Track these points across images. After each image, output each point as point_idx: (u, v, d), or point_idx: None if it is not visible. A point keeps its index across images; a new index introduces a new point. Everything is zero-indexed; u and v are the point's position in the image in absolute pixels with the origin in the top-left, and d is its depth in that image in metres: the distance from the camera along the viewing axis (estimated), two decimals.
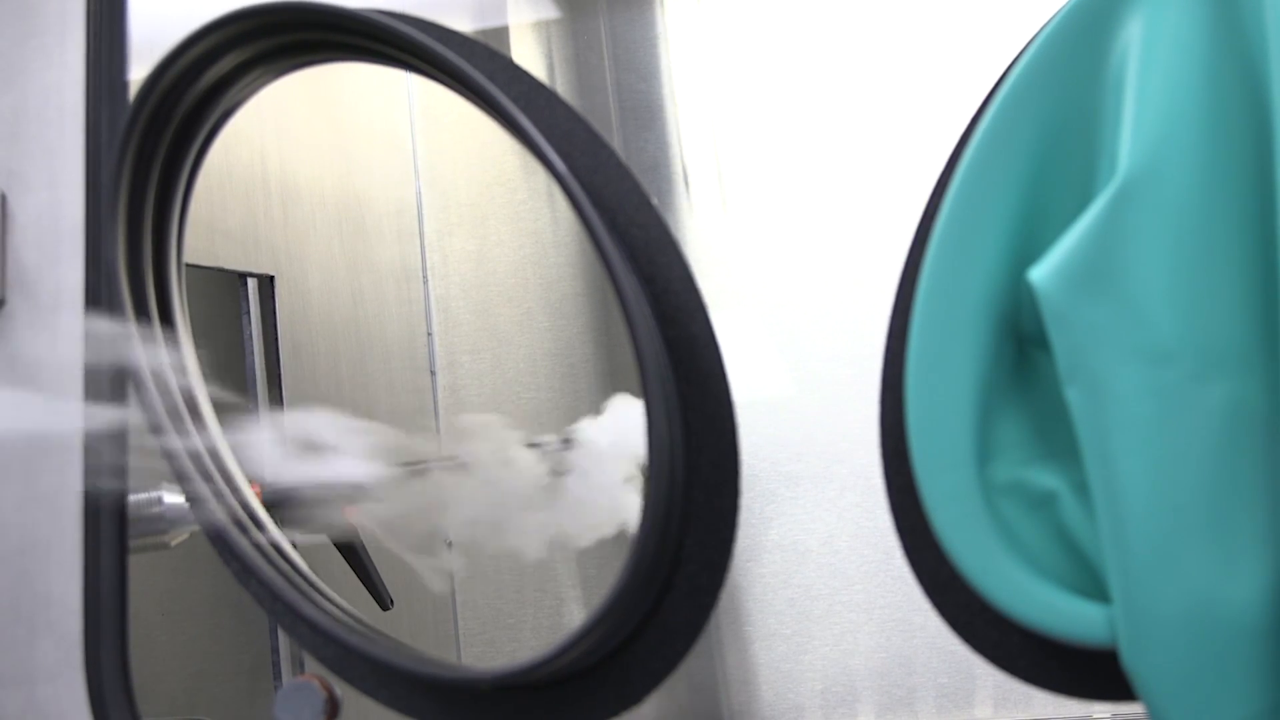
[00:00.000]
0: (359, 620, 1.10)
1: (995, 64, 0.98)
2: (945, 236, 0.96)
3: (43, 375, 1.21)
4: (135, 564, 1.21)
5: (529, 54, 1.99)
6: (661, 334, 1.01)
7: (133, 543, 1.22)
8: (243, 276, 1.74)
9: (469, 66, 0.99)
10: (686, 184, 1.93)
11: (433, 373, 2.00)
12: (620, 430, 1.20)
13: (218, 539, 1.12)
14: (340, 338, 1.89)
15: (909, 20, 1.84)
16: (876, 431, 1.00)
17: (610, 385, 1.97)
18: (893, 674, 1.80)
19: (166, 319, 1.14)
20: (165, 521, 1.27)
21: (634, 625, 1.02)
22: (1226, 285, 0.89)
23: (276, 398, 1.74)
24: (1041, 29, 0.95)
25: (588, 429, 1.23)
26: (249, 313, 1.74)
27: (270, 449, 1.19)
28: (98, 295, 1.21)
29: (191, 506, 1.14)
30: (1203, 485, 0.88)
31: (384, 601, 1.56)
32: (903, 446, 0.97)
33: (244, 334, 1.73)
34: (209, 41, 1.06)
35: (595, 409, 1.26)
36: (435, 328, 2.01)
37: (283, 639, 1.70)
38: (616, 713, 1.05)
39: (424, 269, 2.02)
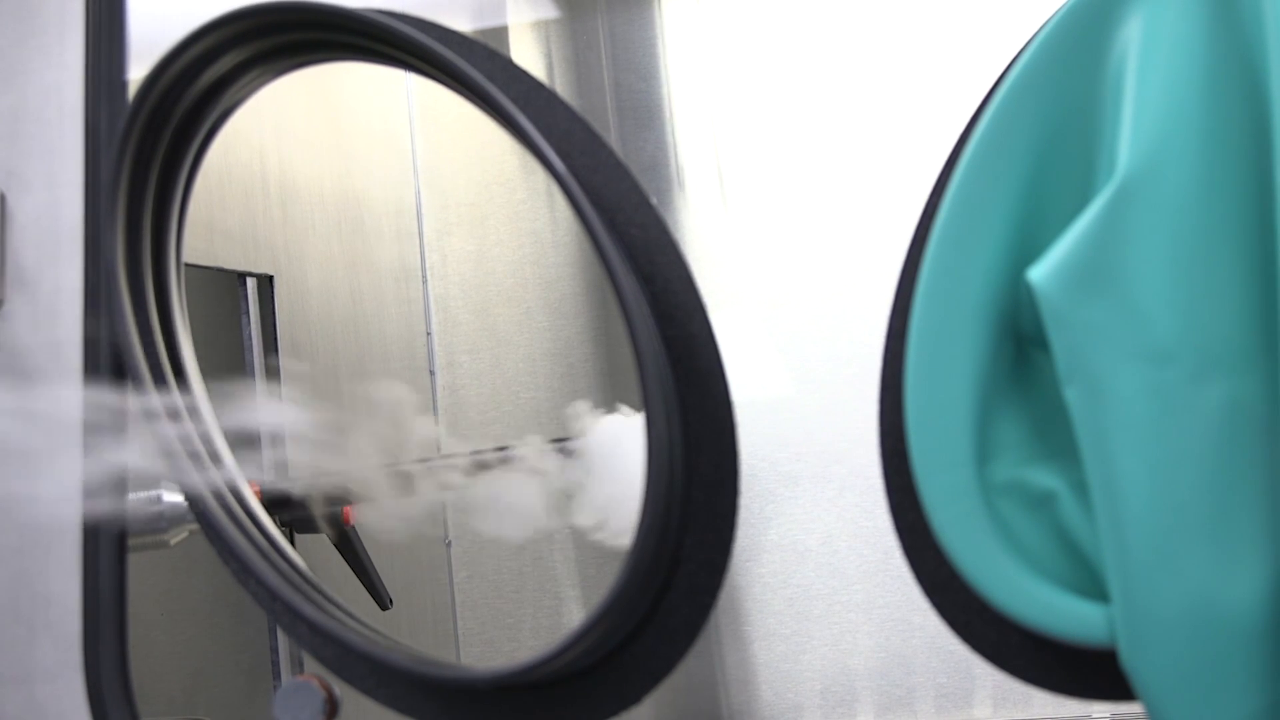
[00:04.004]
0: (358, 620, 1.10)
1: (995, 64, 0.98)
2: (944, 236, 0.96)
3: (42, 375, 1.21)
4: (135, 564, 1.21)
5: (528, 54, 1.99)
6: (660, 333, 1.01)
7: (132, 542, 1.22)
8: (242, 276, 1.74)
9: (469, 66, 0.99)
10: (684, 183, 1.93)
11: (432, 372, 2.00)
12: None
13: (216, 537, 1.12)
14: (340, 337, 1.89)
15: (909, 20, 1.84)
16: (876, 431, 1.00)
17: (609, 385, 1.97)
18: (892, 674, 1.80)
19: (166, 319, 1.14)
20: (165, 520, 1.27)
21: (633, 625, 1.02)
22: (1226, 285, 0.89)
23: (276, 397, 1.74)
24: (1041, 29, 0.96)
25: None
26: (249, 313, 1.74)
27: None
28: (97, 295, 1.21)
29: (190, 505, 1.14)
30: (1202, 485, 0.88)
31: (384, 601, 1.56)
32: (902, 446, 0.97)
33: (244, 334, 1.74)
34: (208, 41, 1.06)
35: (594, 409, 1.25)
36: (434, 327, 2.01)
37: (282, 639, 1.70)
38: (616, 712, 1.05)
39: (423, 269, 2.02)
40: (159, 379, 1.12)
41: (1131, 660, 0.89)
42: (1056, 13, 0.95)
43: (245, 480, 1.16)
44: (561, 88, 1.97)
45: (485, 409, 1.99)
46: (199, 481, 1.11)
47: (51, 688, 1.18)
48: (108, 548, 1.20)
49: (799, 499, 1.84)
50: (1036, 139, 0.95)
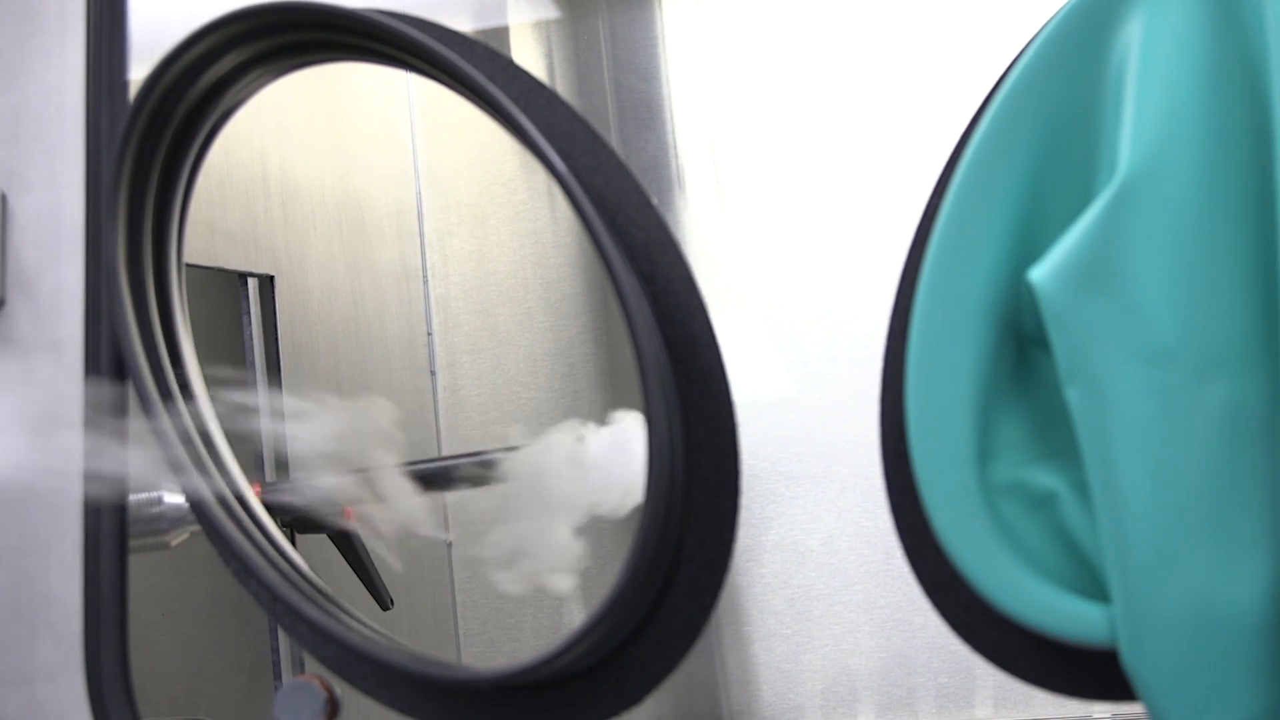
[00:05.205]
0: (359, 620, 1.10)
1: (995, 64, 0.98)
2: (945, 236, 0.96)
3: (42, 375, 1.21)
4: (135, 564, 1.21)
5: (529, 54, 1.99)
6: (661, 334, 1.01)
7: (133, 543, 1.22)
8: (243, 276, 1.74)
9: (469, 66, 0.99)
10: (685, 184, 1.93)
11: (433, 373, 2.00)
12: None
13: (218, 538, 1.12)
14: (340, 338, 1.89)
15: (909, 20, 1.84)
16: (876, 431, 1.00)
17: (610, 385, 1.97)
18: (893, 674, 1.80)
19: (166, 319, 1.14)
20: (165, 521, 1.27)
21: (634, 625, 1.02)
22: (1226, 285, 0.89)
23: (277, 397, 1.74)
24: (1041, 29, 0.96)
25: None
26: (249, 313, 1.74)
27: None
28: (98, 295, 1.21)
29: (191, 507, 1.14)
30: (1203, 485, 0.88)
31: (384, 601, 1.56)
32: (903, 446, 0.97)
33: (244, 334, 1.73)
34: (209, 41, 1.06)
35: (595, 409, 1.25)
36: (435, 328, 2.01)
37: (283, 639, 1.70)
38: (616, 713, 1.05)
39: (424, 269, 2.02)
40: (160, 379, 1.12)
41: (1132, 660, 0.89)
42: (1057, 13, 0.95)
43: (246, 480, 1.16)
44: (562, 88, 1.97)
45: (486, 409, 1.99)
46: (200, 482, 1.11)
47: (52, 688, 1.18)
48: (108, 548, 1.20)
49: (800, 499, 1.84)
50: (1037, 139, 0.95)
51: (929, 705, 1.78)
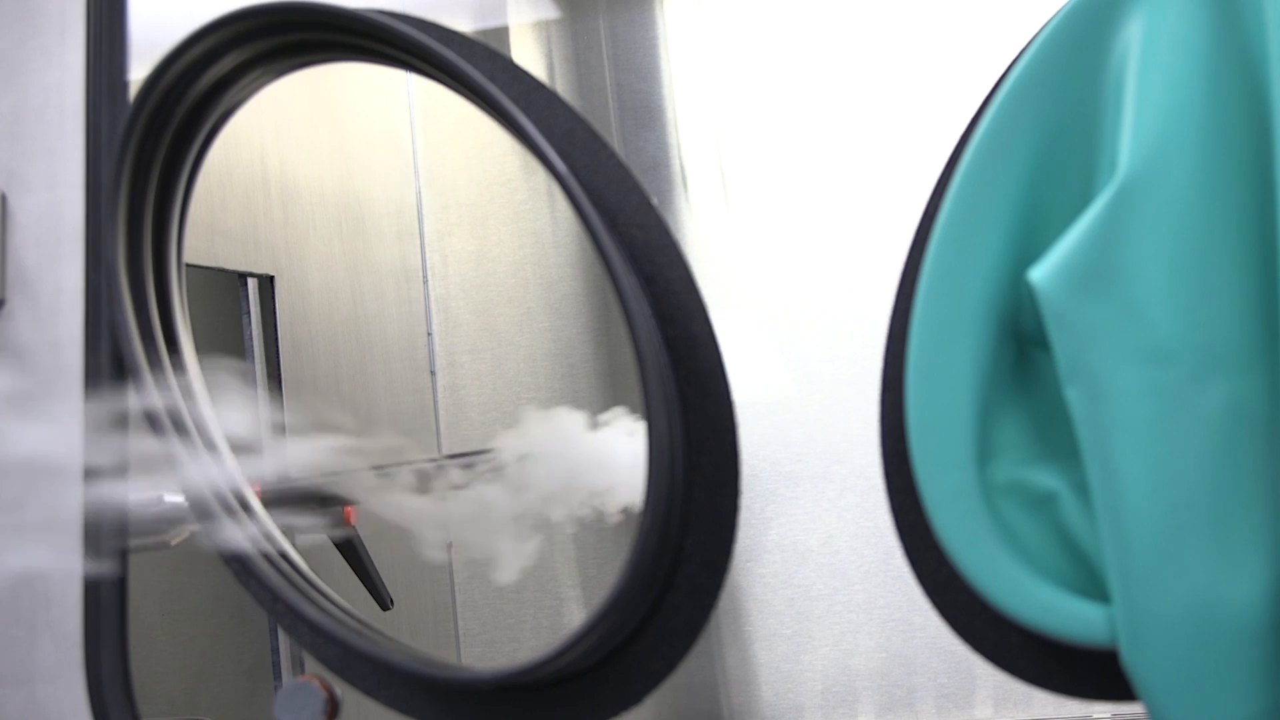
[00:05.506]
0: (359, 620, 1.10)
1: (995, 64, 0.98)
2: (945, 237, 0.96)
3: (42, 375, 1.21)
4: (135, 564, 1.21)
5: (529, 54, 1.99)
6: (661, 334, 1.01)
7: (133, 543, 1.22)
8: (243, 276, 1.74)
9: (469, 66, 0.99)
10: (686, 184, 1.93)
11: (433, 373, 2.00)
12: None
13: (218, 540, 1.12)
14: (340, 338, 1.89)
15: (909, 20, 1.84)
16: (876, 431, 1.00)
17: (610, 385, 1.97)
18: (893, 674, 1.80)
19: (166, 319, 1.14)
20: (165, 521, 1.27)
21: (634, 625, 1.02)
22: (1226, 285, 0.89)
23: (277, 397, 1.75)
24: (1041, 29, 0.96)
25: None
26: (249, 313, 1.74)
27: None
28: (98, 295, 1.21)
29: (191, 506, 1.14)
30: (1203, 485, 0.88)
31: (384, 601, 1.56)
32: (903, 447, 0.97)
33: (244, 334, 1.74)
34: (209, 42, 1.06)
35: (595, 409, 1.25)
36: (435, 328, 2.01)
37: (283, 639, 1.70)
38: (616, 713, 1.05)
39: (424, 269, 2.02)
40: (160, 379, 1.12)
41: (1132, 660, 0.89)
42: (1057, 13, 0.95)
43: (246, 480, 1.16)
44: (562, 88, 1.97)
45: (486, 409, 1.99)
46: (200, 482, 1.11)
47: (52, 688, 1.18)
48: (108, 548, 1.20)
49: (800, 499, 1.84)
50: (1037, 139, 0.95)
51: (929, 705, 1.78)
